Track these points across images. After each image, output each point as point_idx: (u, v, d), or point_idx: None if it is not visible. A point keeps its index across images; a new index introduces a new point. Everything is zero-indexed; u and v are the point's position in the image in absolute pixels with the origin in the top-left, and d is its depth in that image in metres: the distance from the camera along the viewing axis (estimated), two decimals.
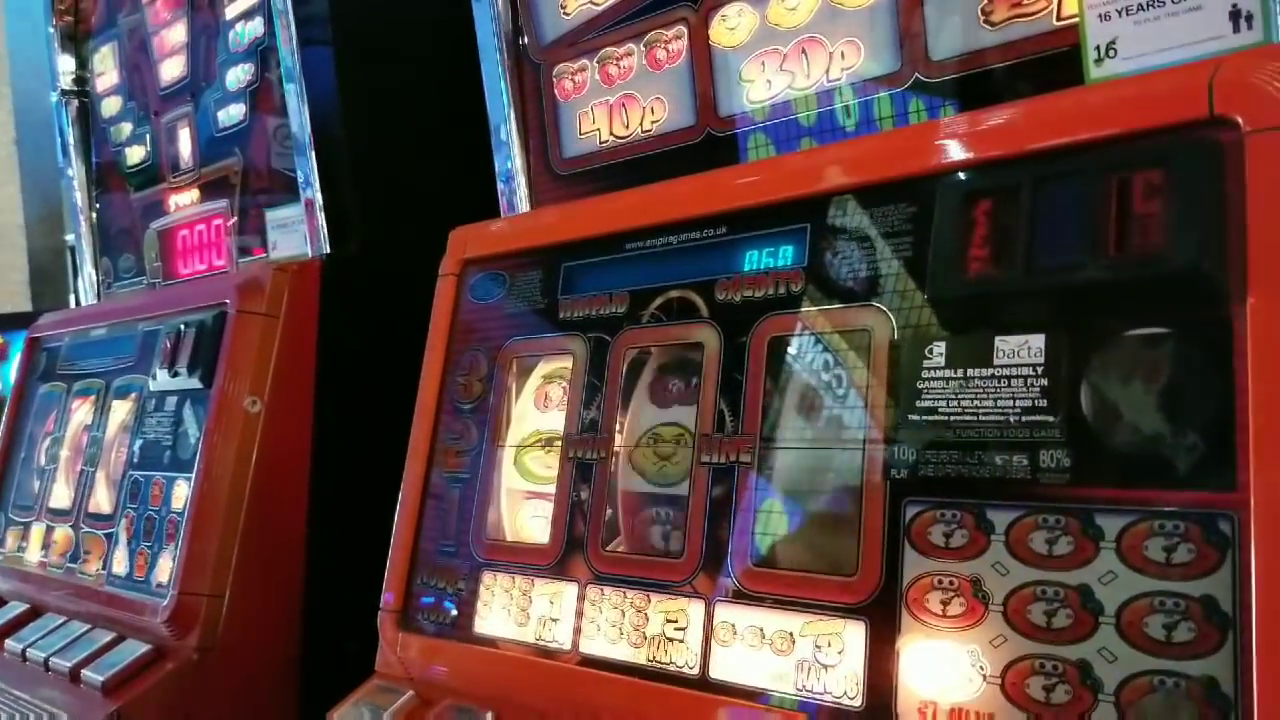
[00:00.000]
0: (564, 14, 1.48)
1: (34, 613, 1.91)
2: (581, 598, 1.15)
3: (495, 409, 1.34)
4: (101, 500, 1.96)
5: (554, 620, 1.17)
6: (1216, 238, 0.79)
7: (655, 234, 1.21)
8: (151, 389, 1.87)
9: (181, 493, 1.71)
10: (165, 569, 1.68)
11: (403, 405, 1.71)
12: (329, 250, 1.81)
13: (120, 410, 2.00)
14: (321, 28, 1.82)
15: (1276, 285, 0.75)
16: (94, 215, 2.47)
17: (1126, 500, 0.81)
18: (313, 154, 1.80)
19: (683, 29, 1.34)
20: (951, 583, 0.88)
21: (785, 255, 1.09)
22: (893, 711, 0.89)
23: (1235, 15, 0.89)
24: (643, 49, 1.39)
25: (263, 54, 1.92)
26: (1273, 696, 0.71)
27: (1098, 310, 0.84)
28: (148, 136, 2.26)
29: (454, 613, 1.28)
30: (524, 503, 1.31)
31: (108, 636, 1.69)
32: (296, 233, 1.88)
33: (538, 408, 1.33)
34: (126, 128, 2.33)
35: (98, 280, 2.47)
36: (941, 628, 0.88)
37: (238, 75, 1.98)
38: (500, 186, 1.55)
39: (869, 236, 1.01)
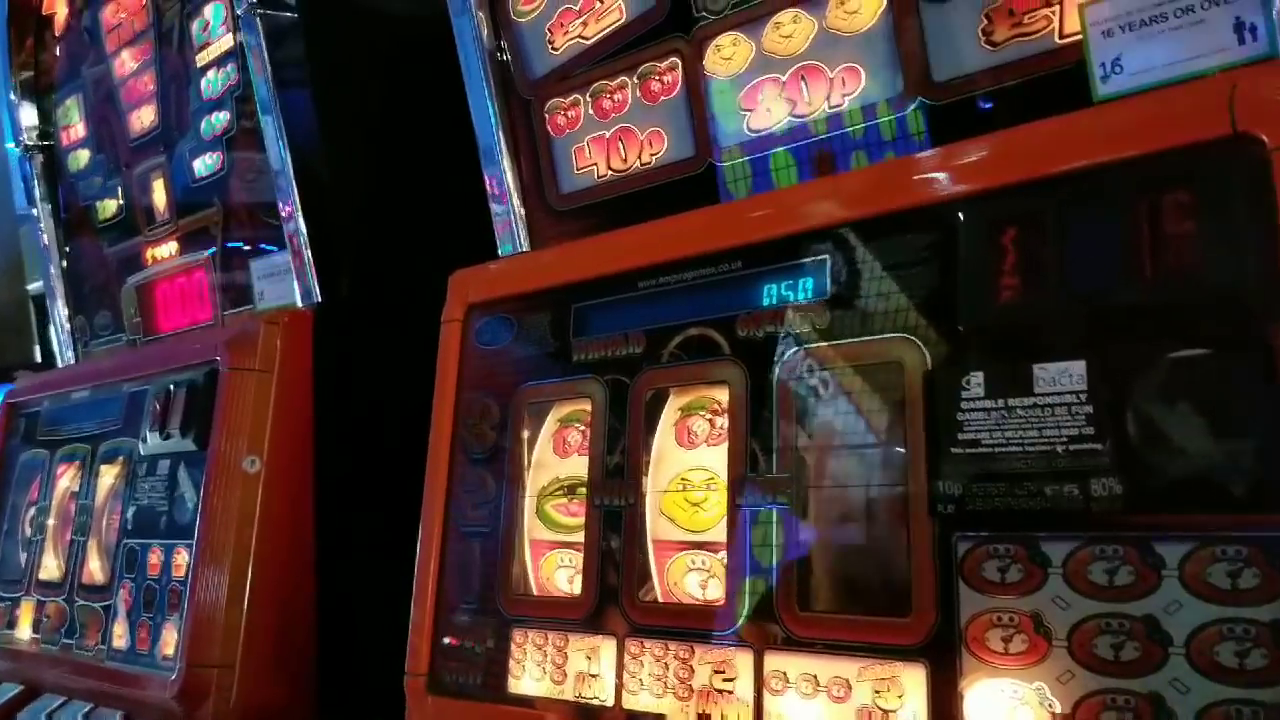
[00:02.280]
0: (552, 50, 1.45)
1: (31, 693, 1.85)
2: (621, 651, 1.13)
3: (512, 457, 1.31)
4: (95, 570, 1.90)
5: (593, 676, 1.14)
6: (1252, 255, 0.78)
7: (668, 271, 1.19)
8: (142, 453, 1.81)
9: (182, 560, 1.66)
10: (170, 641, 1.63)
11: (406, 454, 1.68)
12: (319, 298, 1.77)
13: (109, 475, 1.94)
14: (298, 70, 1.79)
15: None
16: (64, 267, 2.40)
17: (1184, 526, 0.80)
18: (298, 199, 1.76)
19: (676, 60, 1.32)
20: (1011, 619, 0.87)
21: (806, 288, 1.07)
22: None
23: (1240, 27, 0.89)
24: (636, 81, 1.37)
25: (238, 100, 1.88)
26: None
27: (1137, 333, 0.84)
28: (119, 189, 2.21)
29: (485, 672, 1.25)
30: (550, 553, 1.28)
31: (115, 716, 1.64)
32: (284, 281, 1.83)
33: (557, 454, 1.30)
34: (97, 181, 2.28)
35: (73, 337, 2.40)
36: (1005, 667, 0.86)
37: (212, 123, 1.94)
38: (496, 225, 1.53)
39: (893, 266, 1.00)
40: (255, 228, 1.91)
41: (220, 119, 1.93)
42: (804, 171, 1.21)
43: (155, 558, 1.71)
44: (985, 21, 1.05)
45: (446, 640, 1.30)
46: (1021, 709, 0.85)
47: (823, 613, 1.00)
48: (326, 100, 1.80)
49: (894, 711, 0.92)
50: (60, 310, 2.42)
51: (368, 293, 1.81)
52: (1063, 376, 0.87)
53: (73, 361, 2.39)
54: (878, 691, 0.93)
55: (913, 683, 0.91)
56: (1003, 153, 0.93)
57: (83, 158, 2.32)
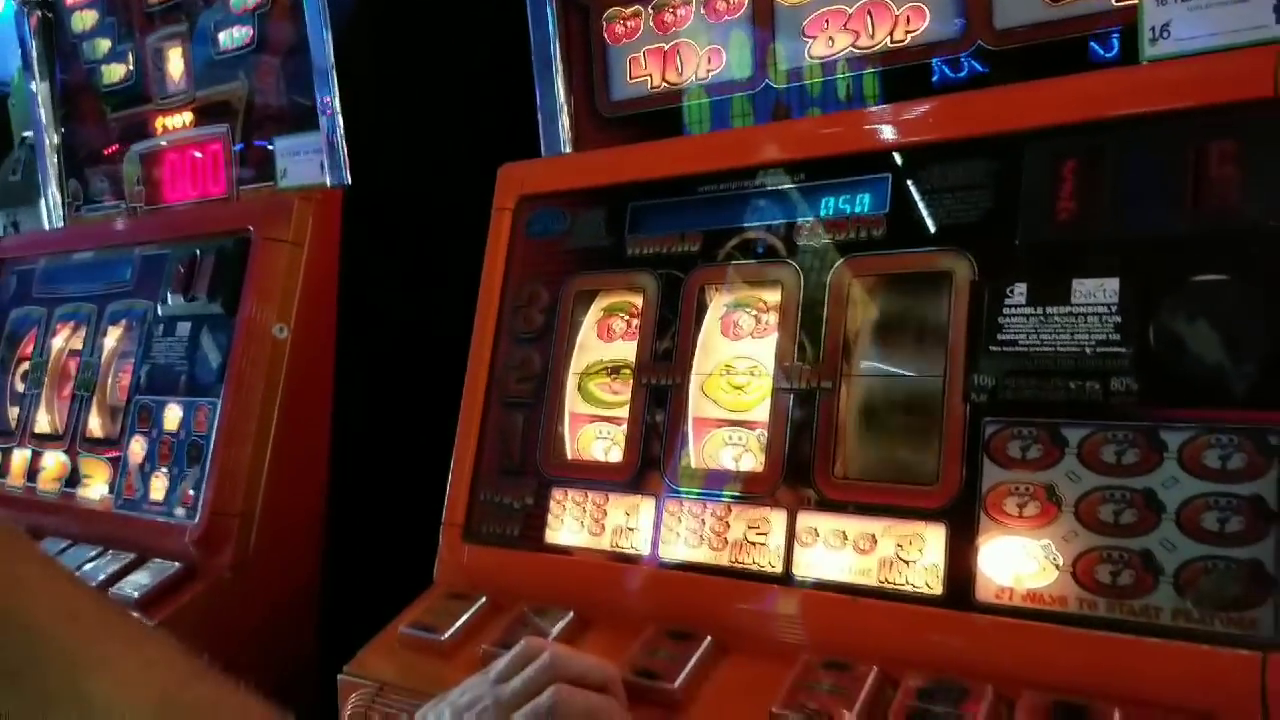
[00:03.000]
0: None
1: (34, 536, 1.89)
2: (659, 509, 1.26)
3: (560, 337, 1.42)
4: (97, 426, 1.94)
5: (630, 530, 1.28)
6: None
7: (729, 178, 1.31)
8: (160, 314, 1.86)
9: (203, 417, 1.73)
10: (189, 491, 1.70)
11: (427, 340, 1.78)
12: (350, 180, 1.83)
13: (113, 336, 1.97)
14: None
15: None
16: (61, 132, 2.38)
17: (1189, 418, 0.96)
18: (334, 82, 1.81)
19: None
20: (1027, 489, 1.03)
21: (863, 203, 1.20)
22: (972, 598, 1.03)
23: (1278, 9, 1.04)
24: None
25: None
26: None
27: (1170, 258, 0.99)
28: (130, 54, 2.20)
29: (522, 526, 1.37)
30: (588, 426, 1.40)
31: (128, 557, 1.70)
32: (310, 161, 1.89)
33: (600, 338, 1.42)
34: (104, 44, 2.26)
35: (63, 202, 2.39)
36: (1018, 528, 1.03)
37: None
38: (543, 126, 1.61)
39: (950, 188, 1.14)
40: (283, 106, 1.95)
41: None
42: (857, 101, 1.34)
43: (173, 413, 1.77)
44: None
45: (484, 495, 1.41)
46: (1028, 560, 1.01)
47: (855, 479, 1.15)
48: None
49: (914, 562, 1.07)
50: (52, 180, 2.40)
51: (398, 180, 1.88)
52: (1098, 290, 1.02)
53: (61, 226, 2.38)
54: (900, 545, 1.08)
55: (934, 539, 1.07)
56: (1068, 94, 1.07)
57: (89, 19, 2.29)
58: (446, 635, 1.26)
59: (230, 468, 1.65)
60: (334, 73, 1.82)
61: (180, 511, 1.70)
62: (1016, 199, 1.08)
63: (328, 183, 1.84)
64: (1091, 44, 1.16)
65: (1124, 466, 0.99)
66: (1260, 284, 0.94)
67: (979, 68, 1.24)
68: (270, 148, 1.95)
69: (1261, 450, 0.92)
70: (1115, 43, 1.15)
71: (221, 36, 2.02)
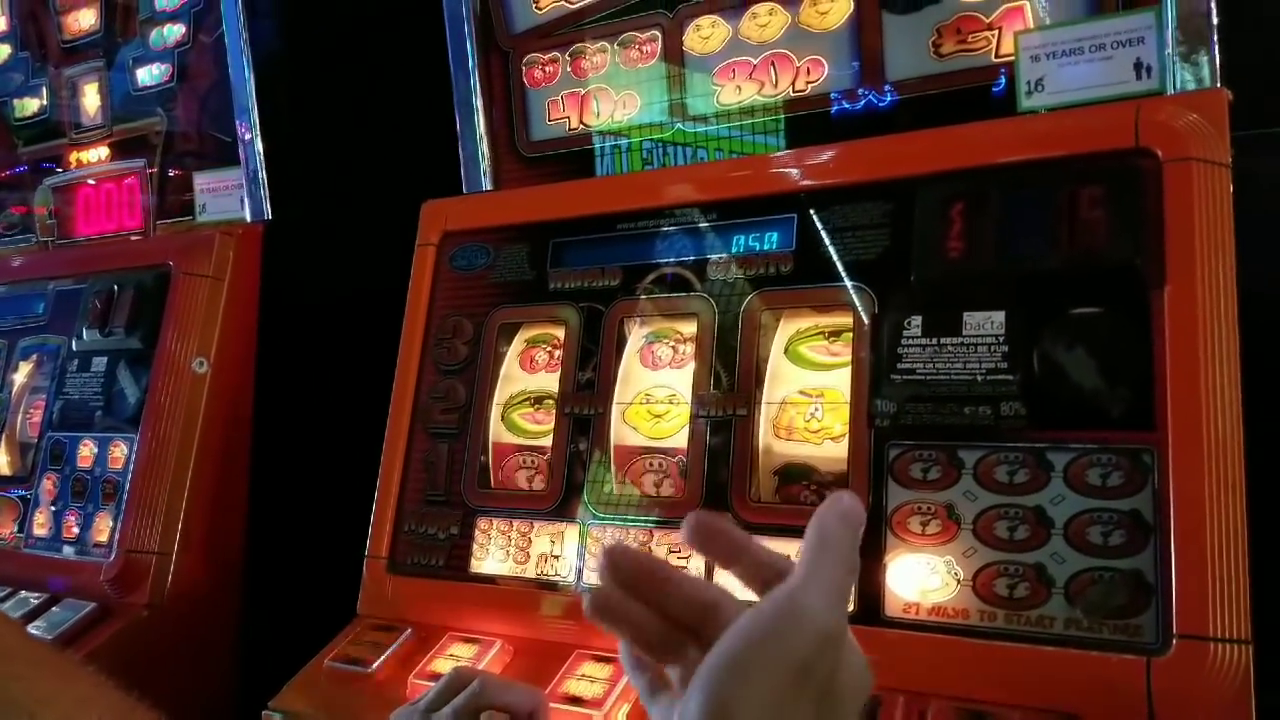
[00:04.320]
0: (536, 9, 1.59)
1: None
2: (583, 536, 1.29)
3: (484, 369, 1.45)
4: (4, 463, 1.90)
5: (555, 557, 1.31)
6: (1143, 240, 1.03)
7: (647, 216, 1.37)
8: (75, 349, 1.83)
9: (120, 453, 1.70)
10: (103, 529, 1.68)
11: (350, 373, 1.79)
12: (270, 215, 1.84)
13: (24, 371, 1.94)
14: None
15: (1187, 277, 1.01)
16: None
17: (1072, 439, 1.04)
18: (256, 118, 1.83)
19: (657, 32, 1.50)
20: (929, 508, 1.09)
21: (771, 240, 1.27)
22: (881, 613, 1.09)
23: (1138, 66, 1.15)
24: (616, 47, 1.53)
25: (196, 16, 1.91)
26: (1184, 583, 0.96)
27: (1049, 292, 1.08)
28: (44, 89, 2.17)
29: (447, 556, 1.39)
30: (512, 455, 1.43)
31: (39, 598, 1.66)
32: (230, 196, 1.89)
33: (524, 369, 1.45)
34: (17, 78, 2.22)
35: None
36: (921, 545, 1.09)
37: (164, 34, 1.96)
38: (464, 163, 1.65)
39: (852, 228, 1.21)
40: (201, 141, 1.95)
41: (174, 31, 1.96)
42: (767, 142, 1.41)
43: (87, 450, 1.74)
44: (935, 35, 1.28)
45: (408, 527, 1.43)
46: (932, 576, 1.08)
47: (769, 503, 1.21)
48: (295, 21, 1.88)
49: None
50: None
51: (320, 215, 1.90)
52: (986, 322, 1.10)
53: None
54: None
55: None
56: (955, 143, 1.16)
57: (2, 52, 2.26)
58: (373, 667, 1.27)
59: (147, 505, 1.63)
60: (255, 108, 1.83)
61: (95, 550, 1.67)
62: (911, 238, 1.16)
63: (248, 217, 1.85)
64: (973, 85, 1.26)
65: (1016, 485, 1.06)
66: (1129, 316, 1.03)
67: (876, 102, 1.32)
68: (189, 183, 1.94)
69: (1138, 468, 1.01)
70: (1004, 81, 1.25)
71: (140, 72, 2.01)
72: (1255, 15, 1.21)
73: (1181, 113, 1.05)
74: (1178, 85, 1.12)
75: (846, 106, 1.34)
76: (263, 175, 1.84)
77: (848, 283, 1.20)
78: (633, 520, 1.27)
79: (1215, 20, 1.08)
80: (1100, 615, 1.00)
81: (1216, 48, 1.09)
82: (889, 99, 1.31)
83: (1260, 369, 1.00)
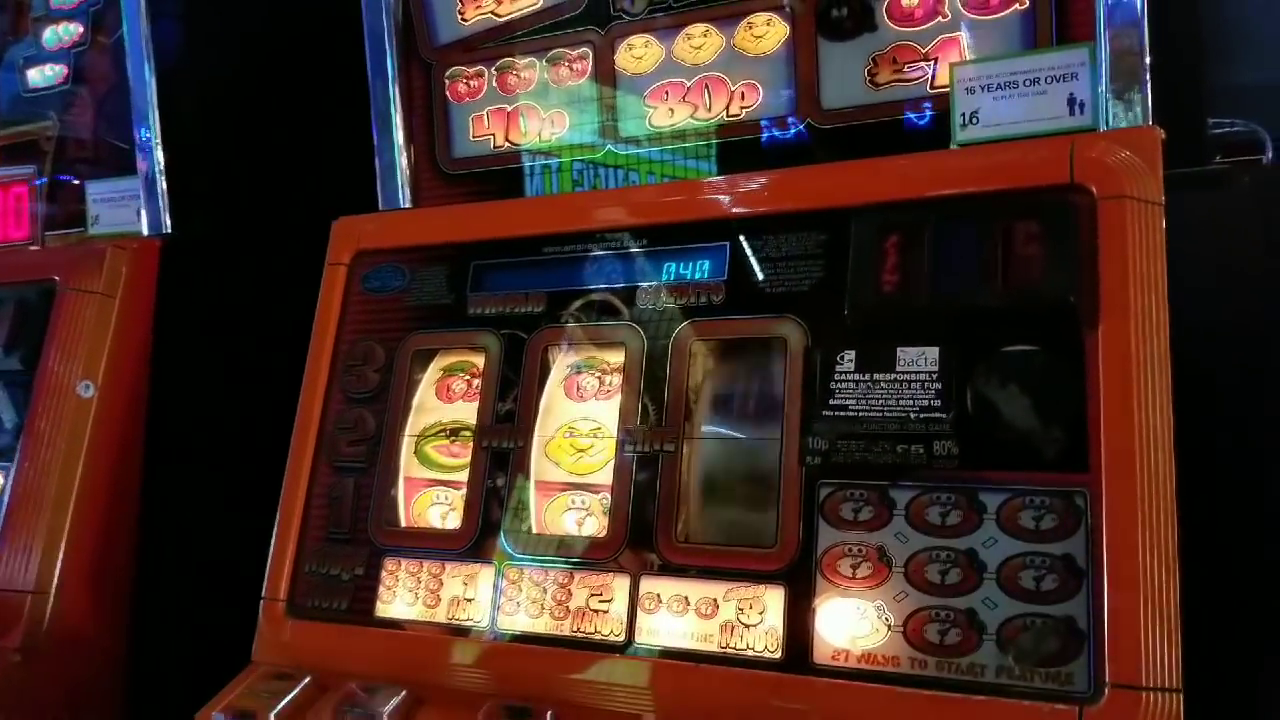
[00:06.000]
0: (462, 20, 1.53)
1: None
2: (499, 577, 1.22)
3: (396, 399, 1.37)
4: None
5: (469, 600, 1.23)
6: (1078, 277, 1.02)
7: (574, 240, 1.31)
8: None
9: None
10: None
11: (252, 400, 1.69)
12: (169, 229, 1.73)
13: None
14: None
15: (1121, 315, 0.99)
16: None
17: (1005, 480, 1.01)
18: (157, 126, 1.72)
19: (588, 50, 1.45)
20: (860, 550, 1.06)
21: (703, 269, 1.23)
22: (810, 660, 1.05)
23: (1071, 102, 1.14)
24: (545, 64, 1.48)
25: (94, 15, 1.80)
26: (1116, 630, 0.93)
27: (983, 329, 1.05)
28: None
29: (351, 599, 1.30)
30: (425, 491, 1.35)
31: None
32: (126, 207, 1.77)
33: (440, 399, 1.38)
34: None
35: None
36: (852, 588, 1.05)
37: (59, 34, 1.84)
38: (381, 180, 1.58)
39: (785, 258, 1.18)
40: (96, 148, 1.83)
41: (70, 30, 1.84)
42: (700, 168, 1.37)
43: None
44: (871, 64, 1.26)
45: (309, 567, 1.34)
46: (862, 622, 1.04)
47: (697, 544, 1.15)
48: (200, 28, 1.78)
49: (754, 625, 1.08)
50: None
51: (224, 230, 1.79)
52: (920, 358, 1.07)
53: None
54: (741, 609, 1.09)
55: (773, 601, 1.08)
56: (891, 173, 1.13)
57: None
58: None
59: (22, 539, 1.50)
60: (156, 114, 1.73)
61: None
62: (845, 270, 1.13)
63: (145, 231, 1.74)
64: (907, 114, 1.24)
65: (948, 527, 1.03)
66: (1063, 354, 1.01)
67: (804, 132, 1.30)
68: (82, 192, 1.82)
69: (1070, 511, 0.98)
70: (929, 112, 1.23)
71: (31, 73, 1.89)
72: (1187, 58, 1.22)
73: (1115, 149, 1.04)
74: (1109, 122, 1.11)
75: (777, 134, 1.31)
76: (162, 186, 1.73)
77: (780, 314, 1.16)
78: (553, 561, 1.20)
79: (1148, 59, 1.08)
80: (1032, 663, 0.97)
81: (1149, 86, 1.08)
82: (821, 127, 1.29)
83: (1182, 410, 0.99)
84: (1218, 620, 1.03)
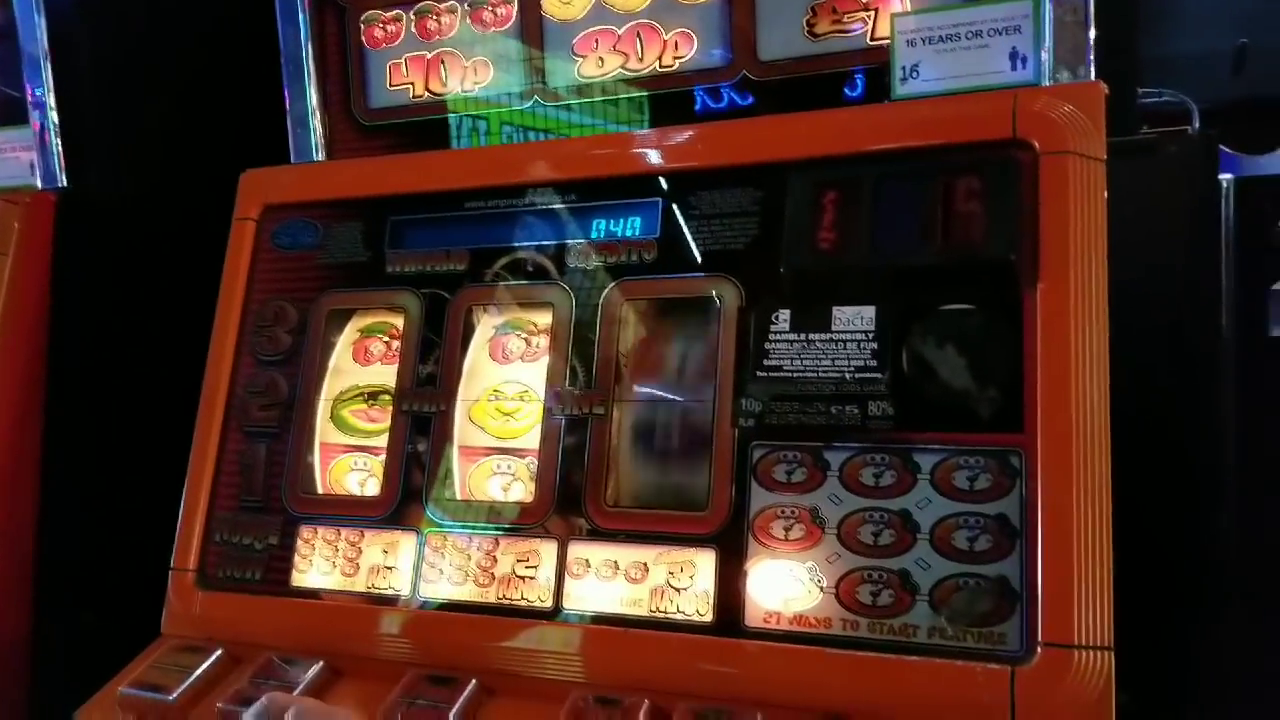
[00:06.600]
0: None
1: None
2: (421, 545, 1.17)
3: (310, 360, 1.30)
4: None
5: (389, 569, 1.18)
6: (1018, 236, 1.00)
7: (499, 195, 1.26)
8: None
9: None
10: None
11: (157, 363, 1.60)
12: (64, 183, 1.62)
13: None
14: None
15: (1061, 274, 0.98)
16: None
17: (940, 441, 1.00)
18: (49, 70, 1.60)
19: None
20: (793, 512, 1.03)
21: (634, 226, 1.18)
22: (741, 623, 1.02)
23: (1014, 56, 1.12)
24: (466, 8, 1.41)
25: None
26: (1050, 590, 0.93)
27: (921, 288, 1.03)
28: None
29: (265, 568, 1.24)
30: (342, 457, 1.29)
31: None
32: (18, 160, 1.66)
33: (357, 361, 1.32)
34: None
35: None
36: (783, 551, 1.03)
37: None
38: (292, 131, 1.49)
39: (720, 215, 1.14)
40: None
41: None
42: (625, 123, 1.32)
43: None
44: (810, 14, 1.22)
45: (220, 536, 1.27)
46: (794, 584, 1.02)
47: (627, 508, 1.12)
48: None
49: (685, 589, 1.06)
50: None
51: (124, 184, 1.68)
52: (856, 318, 1.05)
53: None
54: (671, 573, 1.06)
55: (704, 565, 1.05)
56: (828, 127, 1.10)
57: None
58: (175, 694, 1.12)
59: None
60: (48, 62, 1.61)
61: None
62: (780, 227, 1.09)
63: (39, 184, 1.63)
64: (845, 88, 1.21)
65: (882, 488, 1.01)
66: (1001, 313, 1.00)
67: (738, 100, 1.26)
68: None
69: (1005, 471, 0.97)
70: (860, 82, 1.20)
71: None
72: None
73: (1058, 104, 1.02)
74: (1051, 78, 1.09)
75: (708, 99, 1.27)
76: (56, 138, 1.62)
77: (713, 273, 1.13)
78: (477, 528, 1.16)
79: (1092, 12, 1.06)
80: (965, 623, 0.96)
81: (1092, 41, 1.07)
82: (757, 80, 1.25)
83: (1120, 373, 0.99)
84: (1149, 579, 1.03)
